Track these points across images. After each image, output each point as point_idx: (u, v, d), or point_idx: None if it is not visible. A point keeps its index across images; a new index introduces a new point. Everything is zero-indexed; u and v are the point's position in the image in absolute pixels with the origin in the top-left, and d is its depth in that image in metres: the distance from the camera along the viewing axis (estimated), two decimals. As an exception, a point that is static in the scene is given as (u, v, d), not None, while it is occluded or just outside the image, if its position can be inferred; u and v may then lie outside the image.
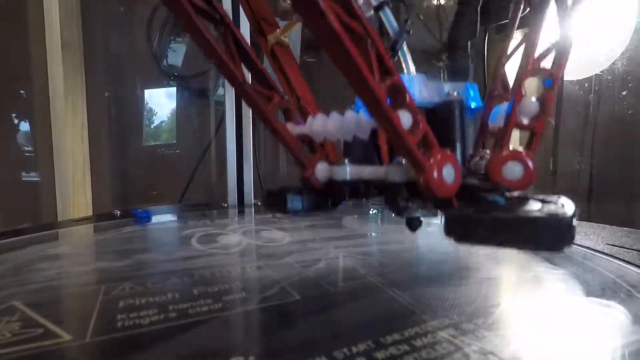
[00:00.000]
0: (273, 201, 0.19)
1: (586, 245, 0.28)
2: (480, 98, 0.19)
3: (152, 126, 0.73)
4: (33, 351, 0.13)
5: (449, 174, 0.14)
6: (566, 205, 0.13)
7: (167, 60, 0.68)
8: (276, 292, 0.19)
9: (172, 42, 0.67)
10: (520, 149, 0.16)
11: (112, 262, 0.24)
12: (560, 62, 0.16)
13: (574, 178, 0.65)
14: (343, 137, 0.17)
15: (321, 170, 0.18)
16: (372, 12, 0.19)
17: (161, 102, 0.74)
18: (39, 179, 0.60)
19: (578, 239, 0.30)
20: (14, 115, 0.74)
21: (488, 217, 0.13)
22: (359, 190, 0.18)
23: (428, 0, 0.69)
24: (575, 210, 0.12)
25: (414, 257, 0.25)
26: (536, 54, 0.16)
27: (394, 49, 0.19)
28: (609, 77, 0.61)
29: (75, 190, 0.55)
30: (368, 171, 0.17)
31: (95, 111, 0.61)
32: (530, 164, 0.15)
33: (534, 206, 0.13)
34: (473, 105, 0.19)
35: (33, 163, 0.62)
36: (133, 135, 0.71)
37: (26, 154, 0.69)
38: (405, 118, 0.14)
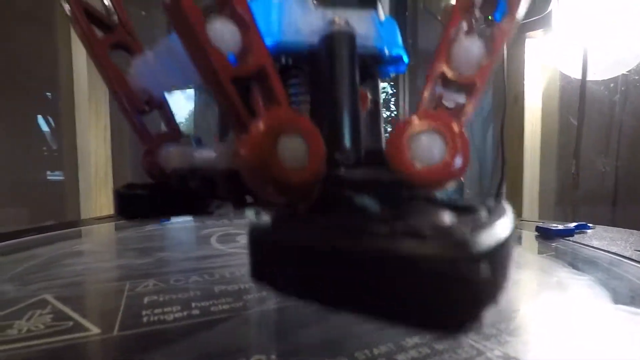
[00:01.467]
0: (120, 203, 0.14)
1: (613, 251, 0.27)
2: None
3: (171, 127, 0.75)
4: (65, 343, 0.14)
5: (295, 149, 0.08)
6: (482, 221, 0.06)
7: (186, 63, 0.69)
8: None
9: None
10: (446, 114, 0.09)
11: (134, 260, 0.25)
12: None
13: (598, 181, 0.63)
14: (164, 77, 0.12)
15: (168, 154, 0.12)
16: None
17: (180, 104, 0.76)
18: (63, 178, 0.63)
19: (604, 244, 0.29)
20: (40, 116, 0.77)
21: (313, 242, 0.07)
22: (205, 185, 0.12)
23: None
24: (509, 236, 0.06)
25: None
26: None
27: None
28: (636, 77, 0.59)
29: (97, 189, 0.57)
30: (203, 155, 0.11)
31: (117, 114, 0.63)
32: (458, 137, 0.08)
33: (421, 217, 0.07)
34: (394, 51, 0.12)
35: (58, 162, 0.64)
36: (153, 136, 0.72)
37: (51, 154, 0.72)
38: (223, 30, 0.07)
